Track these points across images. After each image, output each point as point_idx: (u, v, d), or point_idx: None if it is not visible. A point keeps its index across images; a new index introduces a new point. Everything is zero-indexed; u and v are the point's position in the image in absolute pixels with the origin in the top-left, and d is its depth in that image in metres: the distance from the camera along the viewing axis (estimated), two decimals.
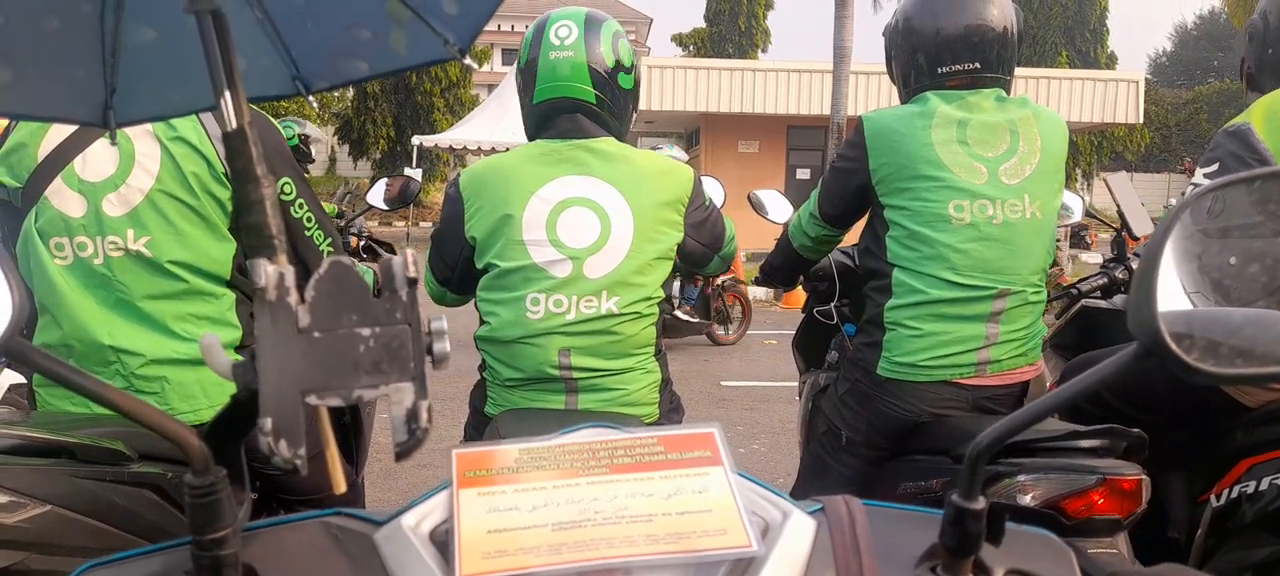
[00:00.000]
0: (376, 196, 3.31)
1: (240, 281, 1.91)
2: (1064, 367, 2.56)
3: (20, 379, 3.15)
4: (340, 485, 0.60)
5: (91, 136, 1.75)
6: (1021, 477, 1.79)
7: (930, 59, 2.11)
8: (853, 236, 2.41)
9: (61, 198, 1.74)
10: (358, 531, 0.61)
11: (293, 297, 0.55)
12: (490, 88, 19.15)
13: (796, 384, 3.10)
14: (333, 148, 29.47)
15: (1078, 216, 2.87)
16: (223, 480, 0.56)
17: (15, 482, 1.55)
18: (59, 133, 1.75)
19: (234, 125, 0.60)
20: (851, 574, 0.59)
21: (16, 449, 1.61)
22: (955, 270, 2.00)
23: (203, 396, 1.83)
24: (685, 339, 8.51)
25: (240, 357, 1.78)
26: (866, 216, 2.23)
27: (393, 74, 0.85)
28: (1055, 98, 17.63)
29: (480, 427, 2.06)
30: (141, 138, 1.76)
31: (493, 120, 17.52)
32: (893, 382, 2.08)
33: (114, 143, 1.01)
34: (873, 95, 16.93)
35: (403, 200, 3.33)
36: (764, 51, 32.29)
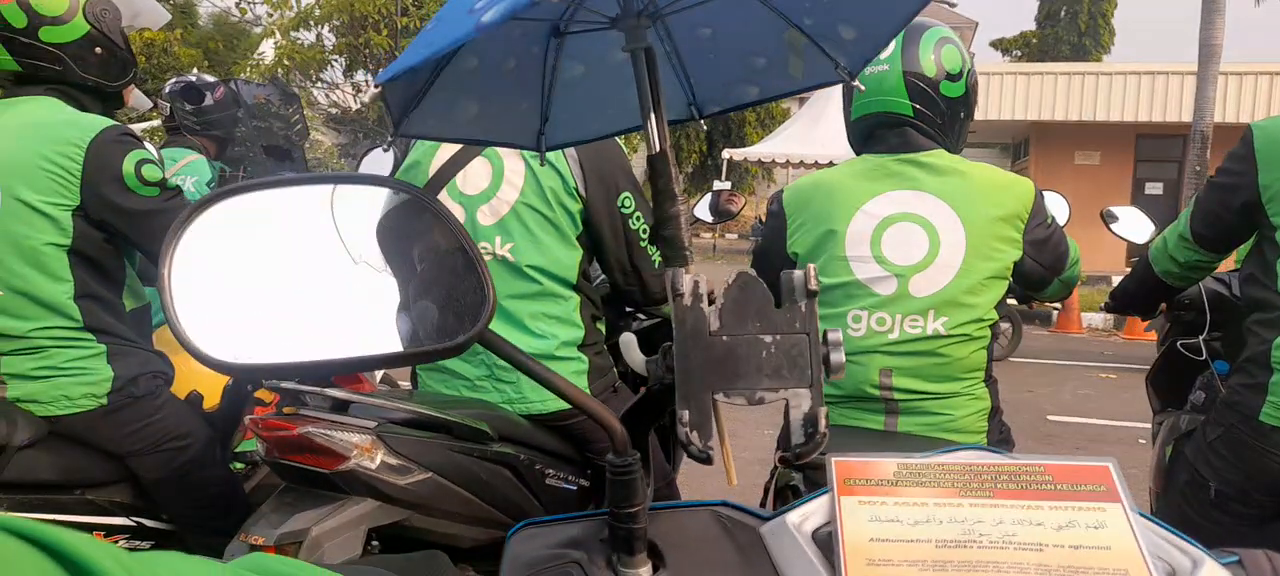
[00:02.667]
0: (703, 210, 3.46)
1: (584, 286, 2.10)
2: None
3: None
4: (733, 478, 0.65)
5: (470, 155, 2.02)
6: None
7: None
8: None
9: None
10: (745, 523, 0.66)
11: (705, 303, 0.61)
12: (802, 101, 19.15)
13: (1150, 426, 2.76)
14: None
15: None
16: (638, 462, 0.63)
17: (407, 450, 1.83)
18: (446, 151, 2.03)
19: (658, 148, 0.68)
20: None
21: (406, 421, 1.89)
22: None
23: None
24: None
25: (585, 356, 1.95)
26: (1251, 241, 1.93)
27: (782, 97, 0.90)
28: None
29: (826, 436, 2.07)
30: (510, 156, 2.00)
31: (803, 133, 17.50)
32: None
33: (544, 163, 1.16)
34: (1245, 99, 14.54)
35: (725, 215, 3.45)
36: (1108, 53, 29.11)
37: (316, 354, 0.61)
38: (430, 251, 0.63)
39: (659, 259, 2.20)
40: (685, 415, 0.60)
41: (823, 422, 0.60)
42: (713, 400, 0.61)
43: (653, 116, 0.68)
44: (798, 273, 0.61)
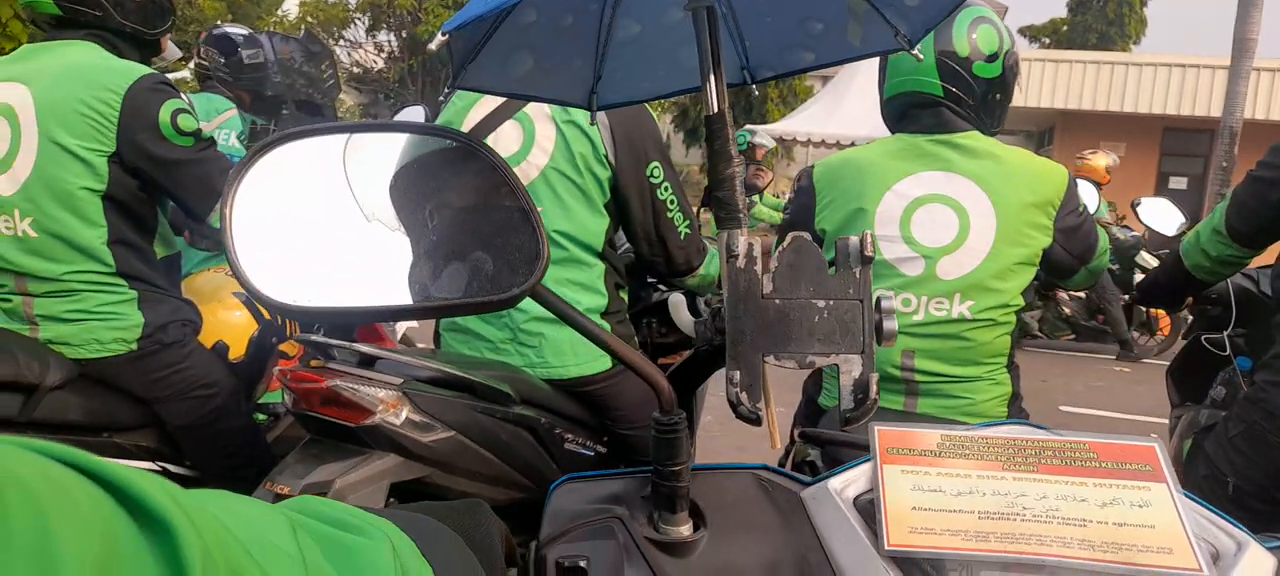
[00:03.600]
0: None
1: (609, 254, 2.10)
2: None
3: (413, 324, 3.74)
4: (776, 441, 0.66)
5: (502, 117, 2.01)
6: None
7: None
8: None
9: None
10: (786, 487, 0.67)
11: (758, 266, 0.62)
12: (825, 79, 18.95)
13: (1163, 421, 2.75)
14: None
15: None
16: (683, 421, 0.63)
17: (431, 408, 1.85)
18: (479, 112, 2.02)
19: (716, 109, 0.68)
20: None
21: (431, 379, 1.90)
22: None
23: (571, 354, 2.03)
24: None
25: (608, 325, 1.95)
26: None
27: (837, 64, 0.89)
28: None
29: (813, 418, 2.07)
30: (541, 120, 1.99)
31: (825, 111, 17.31)
32: None
33: (594, 122, 1.15)
34: (1277, 96, 14.32)
35: (750, 189, 3.45)
36: (1137, 44, 28.66)
37: (369, 300, 0.61)
38: (486, 205, 0.63)
39: (686, 229, 2.20)
40: (736, 375, 0.61)
41: (874, 388, 0.60)
42: (764, 362, 0.62)
43: (712, 77, 0.68)
44: (853, 239, 0.61)
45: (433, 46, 15.07)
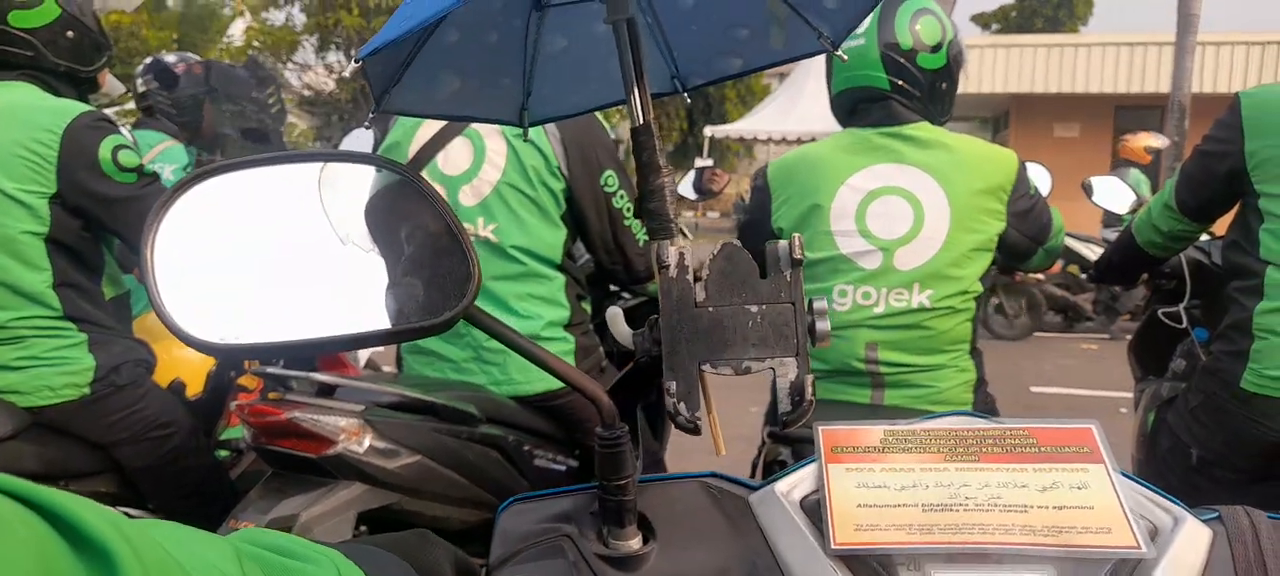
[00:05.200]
0: (687, 188, 3.46)
1: (569, 265, 2.10)
2: None
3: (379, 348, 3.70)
4: (721, 448, 0.66)
5: (451, 135, 2.00)
6: None
7: None
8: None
9: None
10: (734, 493, 0.67)
11: (690, 276, 0.62)
12: (782, 77, 19.10)
13: (1127, 395, 2.80)
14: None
15: None
16: (626, 435, 0.63)
17: (394, 433, 1.83)
18: (427, 131, 2.02)
19: (641, 121, 0.68)
20: None
21: (393, 404, 1.89)
22: None
23: (535, 369, 2.02)
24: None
25: (571, 336, 1.95)
26: (1234, 210, 1.95)
27: (766, 68, 0.90)
28: None
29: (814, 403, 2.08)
30: (492, 136, 1.98)
31: (784, 109, 17.47)
32: (1262, 399, 1.81)
33: (527, 139, 1.15)
34: (1223, 70, 14.63)
35: (708, 193, 3.46)
36: (1084, 25, 29.19)
37: (302, 333, 0.60)
38: (416, 229, 0.63)
39: (644, 236, 2.20)
40: (672, 386, 0.61)
41: (809, 391, 0.61)
42: (700, 371, 0.62)
43: (635, 89, 0.68)
44: (782, 243, 0.62)
45: (347, 73, 14.95)
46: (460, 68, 0.79)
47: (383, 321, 0.62)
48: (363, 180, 0.64)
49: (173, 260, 0.59)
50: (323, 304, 0.62)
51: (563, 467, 2.11)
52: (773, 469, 1.98)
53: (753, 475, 2.04)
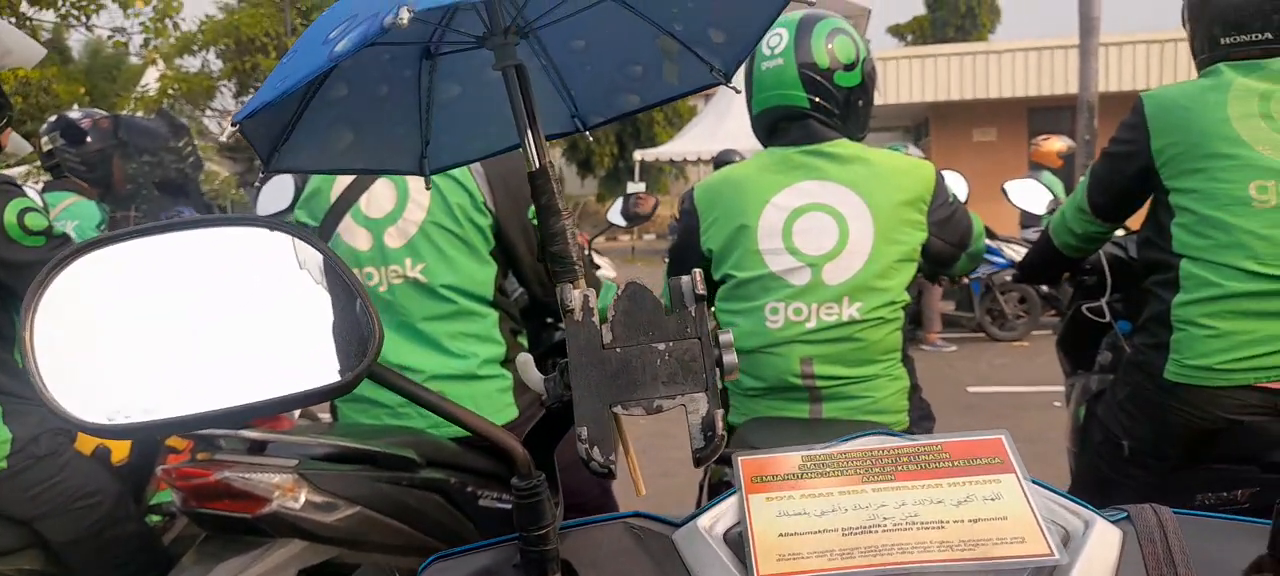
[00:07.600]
0: (616, 215, 3.46)
1: (502, 301, 2.07)
2: None
3: None
4: (640, 488, 0.65)
5: (373, 177, 1.97)
6: None
7: (1224, 28, 1.88)
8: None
9: (351, 234, 1.97)
10: (657, 531, 0.66)
11: (596, 317, 0.61)
12: (707, 98, 19.34)
13: (1062, 389, 2.87)
14: (561, 167, 31.08)
15: None
16: (543, 483, 0.62)
17: (331, 486, 1.78)
18: (347, 177, 1.98)
19: (537, 165, 0.68)
20: None
21: (328, 456, 1.84)
22: (1259, 259, 1.76)
23: (474, 409, 1.99)
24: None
25: (508, 373, 1.92)
26: (1145, 208, 2.03)
27: (662, 104, 0.90)
28: None
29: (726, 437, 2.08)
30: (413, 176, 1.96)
31: (711, 130, 17.69)
32: (1185, 388, 1.86)
33: (429, 187, 1.14)
34: (1126, 69, 15.29)
35: (638, 218, 3.46)
36: (992, 33, 30.20)
37: (197, 407, 0.58)
38: (313, 289, 0.61)
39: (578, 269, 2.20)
40: (583, 432, 0.60)
41: (719, 425, 0.60)
42: (613, 413, 0.61)
43: (529, 133, 0.68)
44: (685, 278, 0.62)
45: (224, 138, 14.64)
46: (353, 121, 0.78)
47: (283, 388, 0.59)
48: (256, 242, 0.62)
49: (55, 340, 0.56)
50: (218, 375, 0.59)
51: (509, 506, 2.07)
52: (719, 490, 1.97)
53: (699, 499, 2.04)
